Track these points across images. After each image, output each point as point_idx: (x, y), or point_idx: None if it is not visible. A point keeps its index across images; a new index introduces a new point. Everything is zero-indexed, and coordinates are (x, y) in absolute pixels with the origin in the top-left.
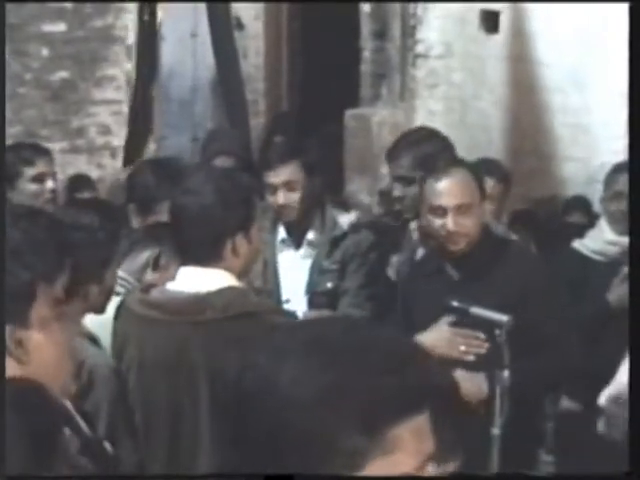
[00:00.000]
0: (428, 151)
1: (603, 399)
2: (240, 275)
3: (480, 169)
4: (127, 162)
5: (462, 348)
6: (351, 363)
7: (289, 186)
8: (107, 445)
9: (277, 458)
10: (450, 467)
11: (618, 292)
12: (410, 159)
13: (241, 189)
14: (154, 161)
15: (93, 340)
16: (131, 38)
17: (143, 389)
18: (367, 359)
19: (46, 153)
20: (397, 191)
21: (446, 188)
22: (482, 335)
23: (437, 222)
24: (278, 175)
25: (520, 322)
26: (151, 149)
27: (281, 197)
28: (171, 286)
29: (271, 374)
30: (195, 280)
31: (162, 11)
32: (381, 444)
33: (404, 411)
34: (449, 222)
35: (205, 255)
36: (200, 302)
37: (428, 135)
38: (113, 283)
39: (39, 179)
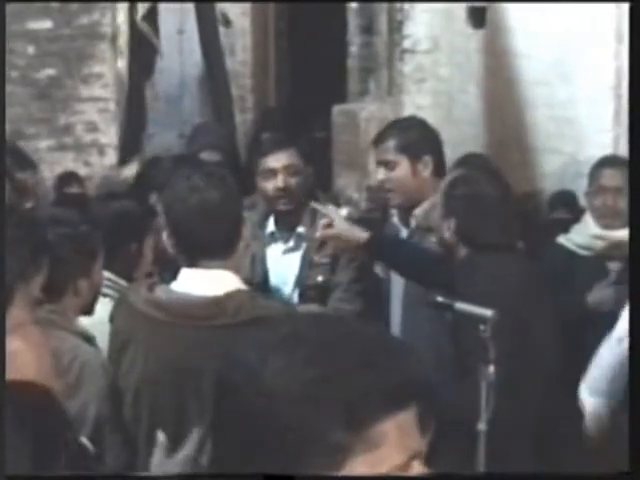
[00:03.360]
0: (413, 137)
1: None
2: (238, 273)
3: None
4: (123, 159)
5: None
6: (335, 358)
7: (289, 170)
8: (87, 442)
9: (259, 452)
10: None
11: (598, 295)
12: (395, 143)
13: (233, 186)
14: (173, 155)
15: (87, 338)
16: (123, 37)
17: (148, 389)
18: (352, 354)
19: (31, 165)
20: (380, 175)
21: None
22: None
23: None
24: (279, 159)
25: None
26: (170, 145)
27: (281, 180)
28: (175, 286)
29: (255, 368)
30: (201, 281)
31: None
32: (365, 440)
33: (389, 407)
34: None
35: (220, 255)
36: (211, 306)
37: (416, 123)
38: (100, 279)
39: (17, 197)
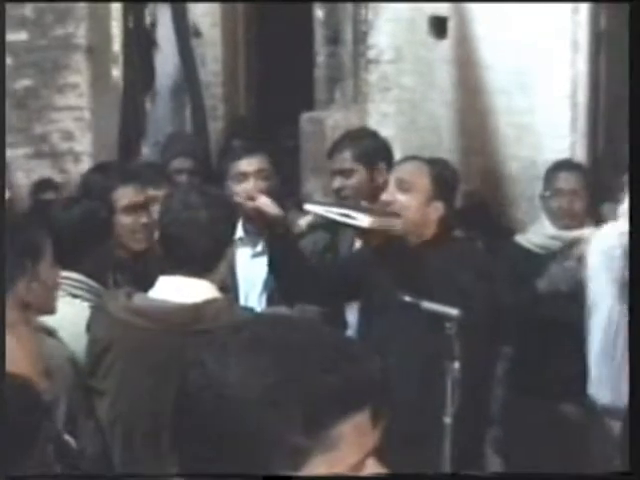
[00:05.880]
0: (368, 147)
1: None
2: (219, 284)
3: (441, 174)
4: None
5: None
6: (295, 363)
7: (260, 174)
8: (69, 438)
9: (218, 456)
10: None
11: (547, 279)
12: (352, 153)
13: (226, 202)
14: (106, 163)
15: (48, 332)
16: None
17: (126, 394)
18: (311, 359)
19: None
20: (337, 183)
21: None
22: None
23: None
24: (250, 164)
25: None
26: (145, 152)
27: (251, 184)
28: (153, 294)
29: (216, 372)
30: (180, 289)
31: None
32: (323, 442)
33: (346, 409)
34: (387, 194)
35: (204, 267)
36: (190, 313)
37: (368, 134)
38: (53, 277)
39: None
